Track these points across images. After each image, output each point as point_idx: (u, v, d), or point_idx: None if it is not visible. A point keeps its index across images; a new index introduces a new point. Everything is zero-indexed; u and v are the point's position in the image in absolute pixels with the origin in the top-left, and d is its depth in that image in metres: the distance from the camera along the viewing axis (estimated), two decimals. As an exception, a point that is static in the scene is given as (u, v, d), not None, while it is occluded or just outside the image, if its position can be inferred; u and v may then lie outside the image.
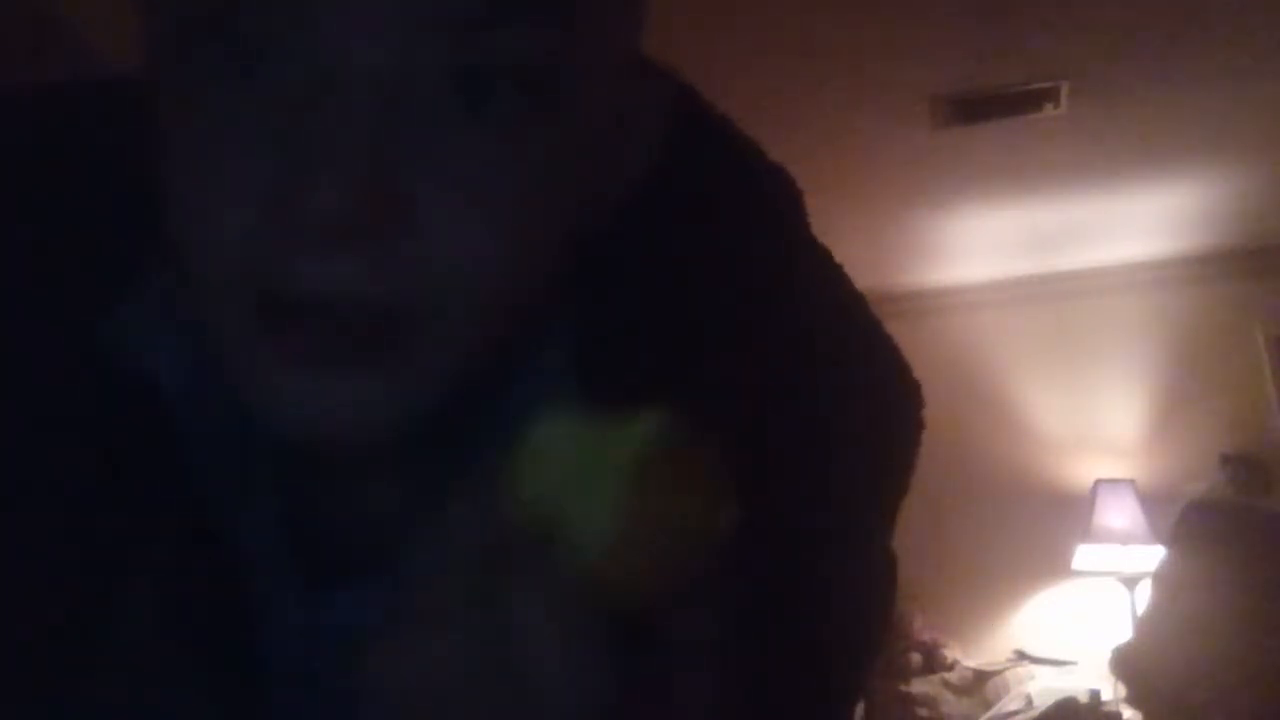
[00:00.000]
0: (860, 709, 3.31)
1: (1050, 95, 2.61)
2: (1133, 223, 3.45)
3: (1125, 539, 3.32)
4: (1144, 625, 1.42)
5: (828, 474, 0.44)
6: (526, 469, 0.31)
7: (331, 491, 0.42)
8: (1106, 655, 1.44)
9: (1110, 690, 3.02)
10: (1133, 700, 1.50)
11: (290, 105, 0.32)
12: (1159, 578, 1.41)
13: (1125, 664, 1.38)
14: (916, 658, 3.45)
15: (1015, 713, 3.17)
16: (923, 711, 3.34)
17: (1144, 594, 2.17)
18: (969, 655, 3.53)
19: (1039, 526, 3.60)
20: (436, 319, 0.34)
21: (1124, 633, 2.42)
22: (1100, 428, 3.71)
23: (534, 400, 0.42)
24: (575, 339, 0.42)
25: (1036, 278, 3.79)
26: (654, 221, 0.43)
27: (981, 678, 3.40)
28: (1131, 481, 3.49)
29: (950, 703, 3.36)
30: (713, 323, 0.43)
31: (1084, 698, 3.07)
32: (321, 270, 0.32)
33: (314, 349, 0.33)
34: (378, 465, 0.41)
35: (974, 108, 2.65)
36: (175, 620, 0.39)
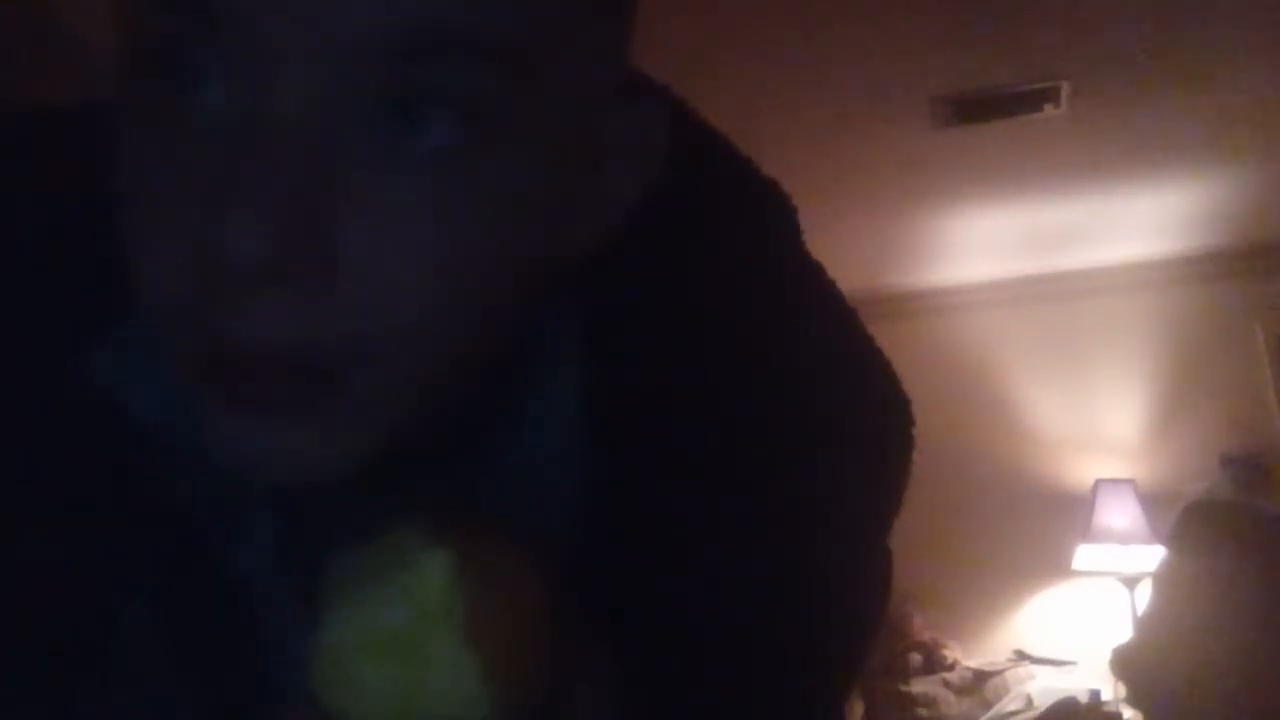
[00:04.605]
0: (860, 709, 3.32)
1: (1050, 95, 2.61)
2: (1133, 223, 3.45)
3: (1125, 539, 3.33)
4: (1144, 625, 1.42)
5: (818, 490, 0.44)
6: (341, 674, 0.29)
7: (338, 528, 0.42)
8: (1106, 655, 1.43)
9: (1110, 690, 3.02)
10: (1133, 700, 1.49)
11: (221, 139, 0.30)
12: (1159, 578, 1.41)
13: (1125, 664, 1.38)
14: (916, 658, 3.45)
15: (1015, 713, 3.18)
16: (923, 711, 3.34)
17: (1144, 594, 2.17)
18: (969, 655, 3.53)
19: (1039, 526, 3.60)
20: (368, 366, 0.32)
21: (1124, 633, 2.42)
22: (1100, 428, 3.71)
23: (545, 426, 0.43)
24: (583, 367, 0.42)
25: (1036, 278, 3.79)
26: (653, 249, 0.42)
27: (981, 678, 3.40)
28: (1131, 481, 3.49)
29: (950, 703, 3.36)
30: (714, 349, 0.43)
31: (1084, 698, 3.07)
32: (242, 317, 0.31)
33: (243, 397, 0.32)
34: (374, 499, 0.41)
35: (974, 108, 2.65)
36: (174, 645, 0.40)
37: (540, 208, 0.35)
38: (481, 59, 0.31)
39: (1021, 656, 3.51)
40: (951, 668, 3.45)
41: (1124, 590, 3.31)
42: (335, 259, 0.31)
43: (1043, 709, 3.08)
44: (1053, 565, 3.54)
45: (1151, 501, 3.36)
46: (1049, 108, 2.66)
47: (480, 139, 0.32)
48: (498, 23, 0.31)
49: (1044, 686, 3.26)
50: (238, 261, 0.29)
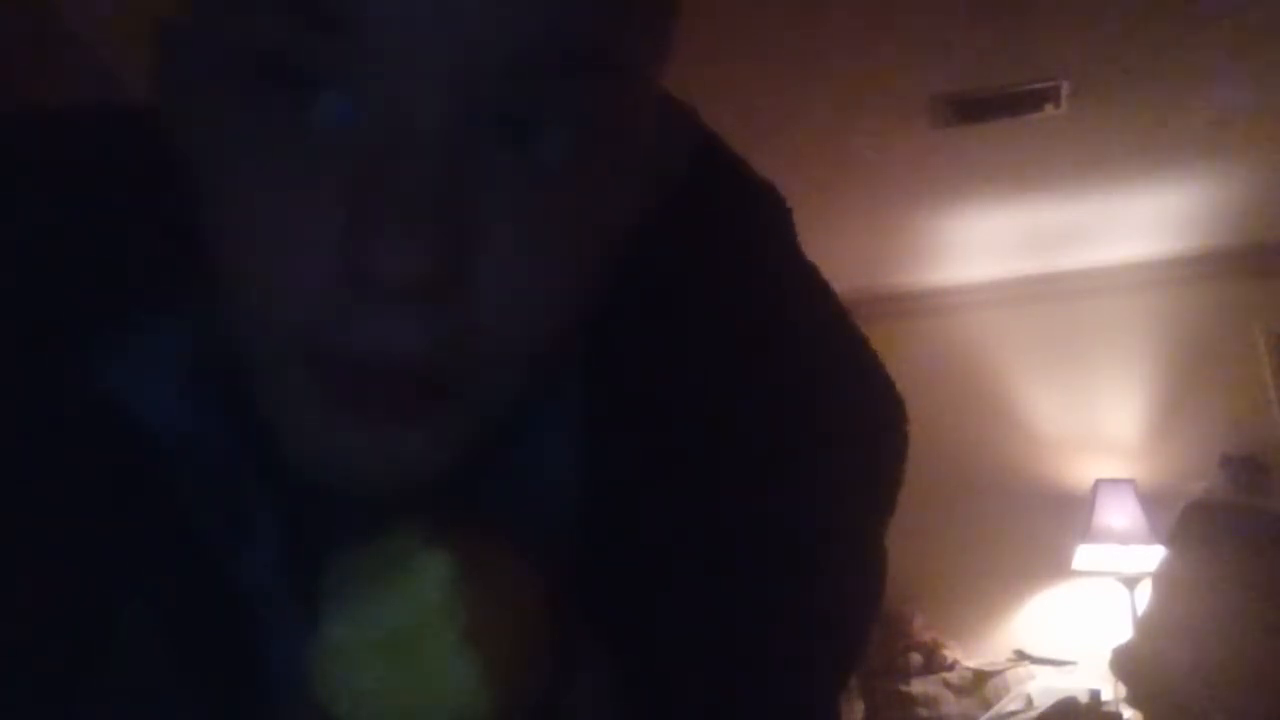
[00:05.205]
0: (860, 709, 3.31)
1: (1050, 95, 2.61)
2: (1133, 223, 3.45)
3: (1125, 539, 3.32)
4: (1144, 625, 1.42)
5: (815, 489, 0.44)
6: (341, 672, 0.30)
7: (339, 530, 0.42)
8: (1106, 655, 1.44)
9: (1110, 690, 3.02)
10: (1133, 700, 1.50)
11: (354, 155, 0.31)
12: (1159, 578, 1.41)
13: (1125, 664, 1.38)
14: (916, 658, 3.45)
15: (1015, 713, 3.17)
16: (923, 711, 3.34)
17: (1144, 594, 2.18)
18: (969, 655, 3.53)
19: (1039, 526, 3.60)
20: (483, 376, 0.33)
21: (1124, 633, 2.42)
22: (1100, 428, 3.71)
23: (545, 427, 0.43)
24: (582, 367, 0.43)
25: (1036, 278, 3.79)
26: (650, 250, 0.42)
27: (981, 678, 3.40)
28: (1131, 481, 3.49)
29: (950, 703, 3.36)
30: (710, 350, 0.44)
31: (1084, 698, 3.07)
32: (381, 331, 0.31)
33: (364, 406, 0.33)
34: (375, 500, 0.41)
35: (974, 108, 2.65)
36: (174, 645, 0.40)
37: (611, 214, 0.36)
38: (604, 76, 0.32)
39: (1021, 656, 3.51)
40: (951, 668, 3.44)
41: (1124, 590, 3.31)
42: (474, 278, 0.31)
43: (1043, 709, 3.08)
44: (1052, 565, 3.54)
45: (1151, 501, 3.36)
46: (1049, 108, 2.66)
47: (591, 153, 0.33)
48: (618, 41, 0.32)
49: (1044, 686, 3.26)
50: (390, 278, 0.30)
